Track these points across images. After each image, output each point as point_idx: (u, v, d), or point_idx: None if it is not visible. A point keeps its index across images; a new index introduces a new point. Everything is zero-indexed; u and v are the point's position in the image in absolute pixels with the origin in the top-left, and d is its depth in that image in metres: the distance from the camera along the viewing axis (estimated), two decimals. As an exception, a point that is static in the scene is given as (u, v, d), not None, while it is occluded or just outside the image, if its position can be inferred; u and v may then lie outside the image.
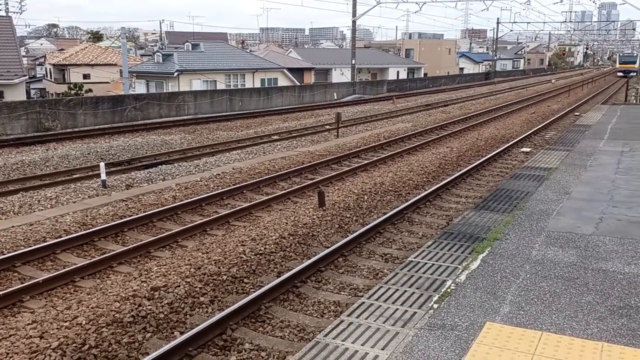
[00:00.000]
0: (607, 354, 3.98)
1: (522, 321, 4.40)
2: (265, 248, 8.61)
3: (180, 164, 15.38)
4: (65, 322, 6.20)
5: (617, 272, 5.40)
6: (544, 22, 73.85)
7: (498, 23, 72.57)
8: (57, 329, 6.06)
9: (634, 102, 30.85)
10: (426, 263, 5.64)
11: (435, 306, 4.64)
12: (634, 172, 9.98)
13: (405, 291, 4.96)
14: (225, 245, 8.67)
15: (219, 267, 7.77)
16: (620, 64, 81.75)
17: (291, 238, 9.14)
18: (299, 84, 46.49)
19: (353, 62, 43.93)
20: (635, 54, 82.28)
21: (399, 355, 3.89)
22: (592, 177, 9.63)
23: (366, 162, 15.50)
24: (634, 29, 78.66)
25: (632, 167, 10.48)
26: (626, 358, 3.93)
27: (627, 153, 11.97)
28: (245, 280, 7.65)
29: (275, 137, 20.86)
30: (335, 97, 40.45)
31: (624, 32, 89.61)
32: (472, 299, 4.75)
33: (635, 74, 70.82)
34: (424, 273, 5.37)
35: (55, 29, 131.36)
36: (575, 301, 4.76)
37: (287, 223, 9.80)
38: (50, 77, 54.54)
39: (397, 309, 4.59)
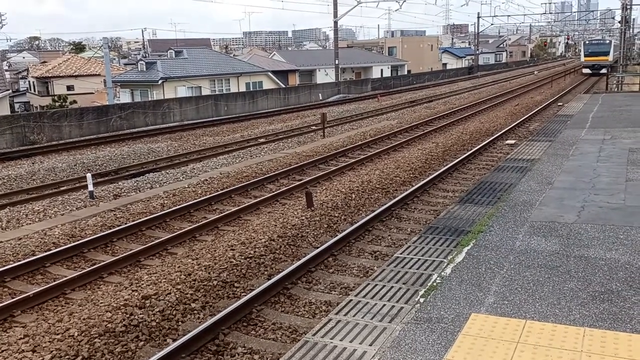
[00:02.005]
0: (589, 338, 4.08)
1: (506, 311, 4.49)
2: (255, 251, 8.66)
3: (167, 171, 15.39)
4: (58, 334, 6.23)
5: (598, 259, 5.51)
6: (524, 15, 74.08)
7: (479, 17, 72.98)
8: (49, 342, 6.09)
9: (615, 90, 31.17)
10: (412, 258, 5.73)
11: (422, 300, 4.72)
12: (615, 160, 10.13)
13: (392, 287, 5.04)
14: (215, 251, 8.72)
15: (209, 273, 7.82)
16: (586, 55, 55.19)
17: (280, 240, 9.21)
18: (283, 86, 46.55)
19: (336, 62, 44.03)
20: (607, 40, 56.18)
21: (386, 350, 3.96)
22: (574, 166, 9.77)
23: (353, 160, 15.59)
24: (613, 18, 77.13)
25: (613, 154, 10.63)
26: (607, 341, 4.03)
27: (608, 141, 12.14)
28: (235, 284, 7.70)
29: (262, 140, 20.91)
30: (321, 98, 40.54)
31: (603, 21, 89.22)
32: (457, 292, 4.84)
33: (609, 70, 43.40)
34: (410, 268, 5.46)
35: (37, 42, 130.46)
36: (558, 289, 4.86)
37: (276, 225, 9.85)
38: (34, 90, 54.20)
39: (385, 305, 4.67)
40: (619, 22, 49.35)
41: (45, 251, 9.12)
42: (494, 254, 5.69)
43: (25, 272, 8.39)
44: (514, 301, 4.64)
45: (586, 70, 54.91)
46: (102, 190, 13.12)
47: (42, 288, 7.62)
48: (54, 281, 8.03)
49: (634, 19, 75.65)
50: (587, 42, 59.07)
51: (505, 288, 4.89)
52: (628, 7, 41.44)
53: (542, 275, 5.14)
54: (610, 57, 52.40)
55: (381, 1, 42.00)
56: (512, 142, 17.82)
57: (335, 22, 43.59)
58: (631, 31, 64.22)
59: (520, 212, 7.13)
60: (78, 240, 9.56)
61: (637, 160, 9.96)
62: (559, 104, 27.81)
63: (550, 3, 72.64)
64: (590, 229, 6.40)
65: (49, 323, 6.58)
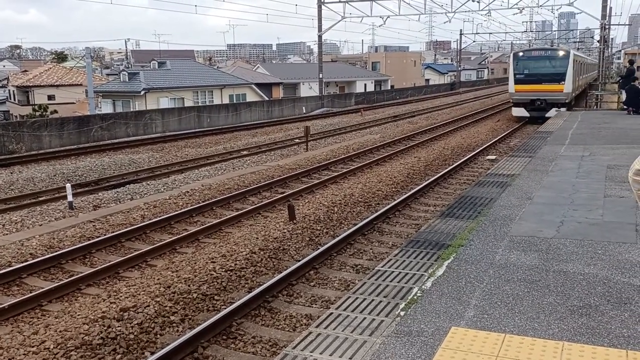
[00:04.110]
0: (568, 352, 4.11)
1: (486, 325, 4.50)
2: (235, 264, 8.60)
3: (148, 182, 15.27)
4: (33, 347, 6.11)
5: (577, 273, 5.56)
6: (506, 33, 74.76)
7: (461, 34, 73.96)
8: (24, 354, 5.97)
9: (595, 107, 31.70)
10: (393, 272, 5.73)
11: (402, 313, 4.72)
12: (594, 176, 10.27)
13: (373, 300, 5.03)
14: (195, 263, 8.64)
15: (189, 285, 7.74)
16: (518, 81, 28.41)
17: (262, 253, 9.16)
18: (267, 98, 46.61)
19: (320, 76, 44.24)
20: (560, 53, 29.36)
21: (366, 363, 3.95)
22: (553, 181, 9.87)
23: (336, 174, 15.61)
24: (592, 37, 78.35)
25: (592, 170, 10.78)
26: (585, 355, 4.06)
27: (587, 157, 12.31)
28: (215, 297, 7.64)
29: (245, 152, 20.87)
30: (304, 111, 40.65)
31: (582, 40, 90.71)
32: (437, 305, 4.85)
33: (563, 108, 27.28)
34: (391, 281, 5.46)
35: (18, 51, 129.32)
36: (537, 303, 4.89)
37: (257, 238, 9.81)
38: (14, 99, 53.61)
39: (365, 318, 4.66)
40: (598, 41, 49.15)
41: (22, 262, 8.97)
42: (474, 268, 5.71)
43: (0, 283, 8.23)
44: (494, 315, 4.66)
45: (518, 112, 28.36)
46: (81, 201, 12.97)
47: (18, 300, 7.49)
48: (31, 293, 7.90)
49: (612, 39, 77.03)
50: (521, 54, 29.53)
51: (485, 302, 4.91)
52: (606, 26, 42.27)
53: (521, 289, 5.18)
54: (568, 86, 27.18)
55: (365, 16, 42.40)
56: (493, 157, 17.99)
57: (320, 36, 43.87)
58: (610, 50, 65.21)
59: (500, 226, 7.18)
60: (56, 251, 9.43)
61: (615, 176, 10.10)
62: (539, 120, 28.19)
63: (531, 22, 73.83)
64: (569, 243, 6.46)
65: (24, 335, 6.45)
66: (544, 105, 27.37)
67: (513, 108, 29.12)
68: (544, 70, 27.65)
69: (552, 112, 26.06)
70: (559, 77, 27.20)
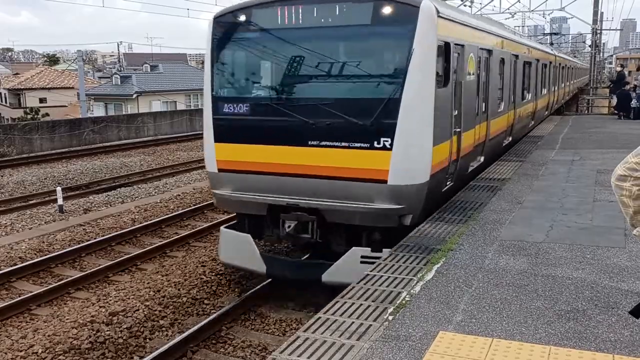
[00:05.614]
0: (554, 356, 4.12)
1: (473, 329, 4.51)
2: (226, 268, 8.58)
3: (139, 186, 15.23)
4: (21, 351, 6.08)
5: (565, 278, 5.58)
6: (498, 37, 74.66)
7: (454, 38, 74.08)
8: (11, 359, 5.94)
9: (586, 112, 31.87)
10: (382, 276, 5.73)
11: (390, 318, 4.72)
12: (583, 180, 10.32)
13: (361, 304, 5.03)
14: (186, 267, 8.62)
15: (179, 289, 7.72)
16: (221, 134, 8.28)
17: (252, 257, 9.13)
18: (260, 102, 46.55)
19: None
20: (386, 10, 6.51)
21: (354, 368, 3.95)
22: (543, 186, 9.91)
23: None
24: (584, 42, 78.61)
25: (582, 175, 10.83)
26: (572, 360, 4.08)
27: (577, 162, 12.37)
28: (205, 301, 7.62)
29: (237, 156, 20.81)
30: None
31: (574, 44, 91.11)
32: (426, 310, 4.85)
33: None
34: (380, 286, 5.46)
35: (9, 53, 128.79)
36: (525, 307, 4.90)
37: (248, 242, 9.78)
38: (5, 102, 53.34)
39: (353, 323, 4.66)
40: (589, 46, 49.11)
41: (11, 266, 8.92)
42: (463, 272, 5.72)
43: (-11, 287, 8.19)
44: (482, 319, 4.67)
45: (230, 253, 7.58)
46: (72, 205, 12.91)
47: (6, 304, 7.45)
48: (19, 296, 7.85)
49: (604, 44, 77.42)
50: (242, 18, 7.48)
51: (473, 306, 4.92)
52: (598, 31, 42.51)
53: (509, 293, 5.19)
54: (423, 153, 6.94)
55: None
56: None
57: (313, 40, 43.88)
58: (601, 55, 65.42)
59: (490, 230, 7.20)
60: (45, 255, 9.39)
61: (605, 181, 10.15)
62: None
63: (523, 26, 74.19)
64: (558, 248, 6.49)
65: (12, 340, 6.42)
66: (313, 236, 7.22)
67: (222, 228, 8.17)
68: (312, 89, 7.53)
69: (350, 265, 7.23)
70: (371, 116, 6.85)
